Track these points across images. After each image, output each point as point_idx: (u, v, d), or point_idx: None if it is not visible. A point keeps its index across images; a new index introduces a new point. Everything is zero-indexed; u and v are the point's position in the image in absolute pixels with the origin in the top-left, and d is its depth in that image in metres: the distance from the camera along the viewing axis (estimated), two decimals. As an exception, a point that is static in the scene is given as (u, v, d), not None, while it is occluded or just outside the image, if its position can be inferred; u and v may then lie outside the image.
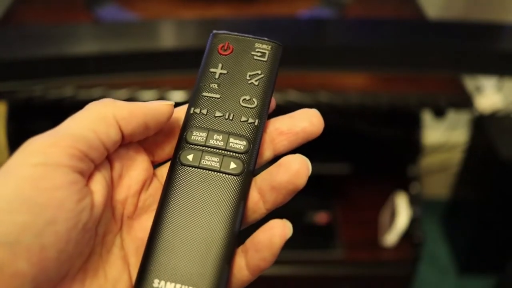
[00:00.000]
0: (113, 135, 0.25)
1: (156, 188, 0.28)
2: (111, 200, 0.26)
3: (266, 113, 0.28)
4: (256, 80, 0.28)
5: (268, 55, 0.29)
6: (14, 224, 0.21)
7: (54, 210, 0.22)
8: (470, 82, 1.23)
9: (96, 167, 0.25)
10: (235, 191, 0.26)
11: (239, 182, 0.26)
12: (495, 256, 1.27)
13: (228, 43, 0.29)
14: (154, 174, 0.28)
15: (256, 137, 0.27)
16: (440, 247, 1.41)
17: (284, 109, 0.77)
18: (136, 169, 0.27)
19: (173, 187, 0.26)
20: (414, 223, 0.88)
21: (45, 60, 0.67)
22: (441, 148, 1.43)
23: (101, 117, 0.25)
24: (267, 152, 0.28)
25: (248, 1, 0.93)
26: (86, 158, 0.24)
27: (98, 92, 0.72)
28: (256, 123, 0.27)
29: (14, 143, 0.84)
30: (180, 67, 0.70)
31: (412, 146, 0.88)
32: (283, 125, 0.28)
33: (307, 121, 0.28)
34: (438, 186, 1.50)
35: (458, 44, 0.72)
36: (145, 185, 0.28)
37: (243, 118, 0.27)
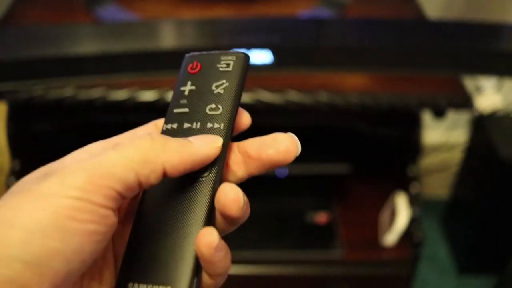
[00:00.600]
0: (153, 179, 0.25)
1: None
2: None
3: (233, 119, 0.28)
4: (221, 89, 0.29)
5: (233, 65, 0.29)
6: (46, 249, 0.22)
7: (83, 241, 0.23)
8: (470, 82, 1.23)
9: None
10: (202, 195, 0.27)
11: (206, 187, 0.27)
12: (495, 256, 1.27)
13: (197, 62, 0.30)
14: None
15: (223, 140, 0.28)
16: (440, 247, 1.41)
17: (284, 109, 0.77)
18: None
19: (147, 194, 0.27)
20: (414, 223, 0.88)
21: (45, 60, 0.67)
22: (441, 148, 1.43)
23: (148, 161, 0.25)
24: (239, 172, 0.29)
25: (248, 1, 0.93)
26: (121, 198, 0.24)
27: (98, 92, 0.72)
28: (221, 127, 0.28)
29: (14, 143, 0.85)
30: (180, 67, 0.70)
31: (412, 146, 0.88)
32: (252, 149, 0.28)
33: (274, 149, 0.28)
34: (438, 186, 1.50)
35: (458, 44, 0.72)
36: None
37: (209, 125, 0.28)
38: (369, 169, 1.04)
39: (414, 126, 0.87)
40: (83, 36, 0.70)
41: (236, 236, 1.01)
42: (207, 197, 0.27)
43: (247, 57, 0.30)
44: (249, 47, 0.69)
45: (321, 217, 0.94)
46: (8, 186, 0.86)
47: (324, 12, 0.91)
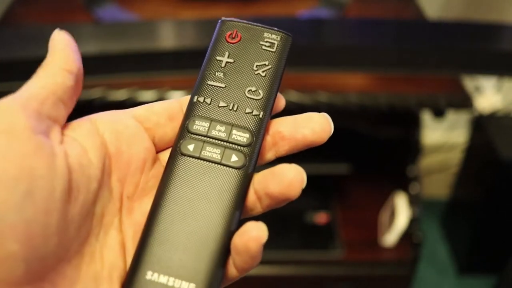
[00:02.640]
0: (61, 80, 0.25)
1: (159, 172, 0.26)
2: (108, 178, 0.25)
3: (272, 106, 0.27)
4: (263, 71, 0.27)
5: (277, 46, 0.28)
6: None
7: (27, 181, 0.20)
8: (469, 82, 1.23)
9: (66, 128, 0.24)
10: (235, 185, 0.25)
11: (239, 176, 0.25)
12: (494, 256, 1.27)
13: (237, 31, 0.28)
14: (157, 158, 0.27)
15: (259, 130, 0.26)
16: (439, 247, 1.41)
17: (285, 109, 0.77)
18: (135, 146, 0.26)
19: (171, 177, 0.25)
20: (413, 223, 0.88)
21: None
22: (441, 148, 1.43)
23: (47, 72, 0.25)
24: (269, 154, 0.27)
25: (248, 1, 0.93)
26: (41, 116, 0.23)
27: (98, 92, 0.72)
28: (260, 116, 0.26)
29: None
30: (180, 67, 0.70)
31: (412, 146, 0.88)
32: (286, 129, 0.27)
33: (309, 129, 0.26)
34: (438, 186, 1.50)
35: (458, 44, 0.72)
36: (146, 165, 0.26)
37: (248, 110, 0.26)
38: (369, 169, 1.04)
39: (414, 126, 0.87)
40: (82, 36, 0.70)
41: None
42: (240, 185, 0.25)
43: (290, 39, 0.28)
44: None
45: (321, 217, 0.94)
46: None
47: (323, 12, 0.91)
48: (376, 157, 1.07)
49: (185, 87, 0.72)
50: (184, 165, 0.25)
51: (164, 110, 0.27)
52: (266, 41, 0.28)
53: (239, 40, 0.27)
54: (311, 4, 0.93)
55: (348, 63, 0.71)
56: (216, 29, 0.28)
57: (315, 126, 0.26)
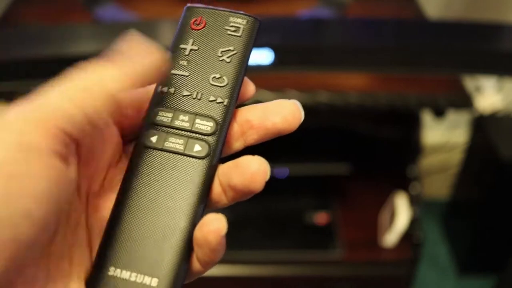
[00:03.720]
0: (101, 107, 0.22)
1: (125, 166, 0.25)
2: (77, 176, 0.23)
3: (237, 93, 0.26)
4: (228, 57, 0.26)
5: (243, 30, 0.27)
6: None
7: (30, 202, 0.19)
8: (470, 82, 1.23)
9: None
10: (199, 176, 0.24)
11: (203, 166, 0.24)
12: (494, 256, 1.27)
13: (201, 18, 0.27)
14: (123, 151, 0.26)
15: (225, 119, 0.25)
16: (440, 247, 1.41)
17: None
18: (104, 142, 0.25)
19: (134, 170, 0.25)
20: (414, 223, 0.88)
21: (44, 60, 0.67)
22: (441, 149, 1.43)
23: (86, 87, 0.22)
24: (237, 143, 0.26)
25: (247, 1, 0.93)
26: (69, 140, 0.21)
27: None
28: (225, 103, 0.25)
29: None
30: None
31: (412, 146, 0.88)
32: (255, 117, 0.26)
33: (280, 117, 0.25)
34: (438, 186, 1.50)
35: (458, 44, 0.72)
36: (113, 160, 0.25)
37: (212, 98, 0.25)
38: (369, 170, 1.04)
39: (414, 126, 0.87)
40: (82, 35, 0.70)
41: (236, 236, 1.00)
42: (204, 176, 0.24)
43: (258, 23, 0.27)
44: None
45: (321, 218, 0.94)
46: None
47: (324, 12, 0.91)
48: (376, 157, 1.07)
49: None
50: (148, 158, 0.25)
51: (132, 101, 0.26)
52: (232, 26, 0.27)
53: (204, 26, 0.27)
54: (311, 4, 0.93)
55: (348, 63, 0.71)
56: (181, 16, 0.27)
57: (287, 114, 0.26)
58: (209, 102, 0.25)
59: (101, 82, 0.22)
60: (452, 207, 1.43)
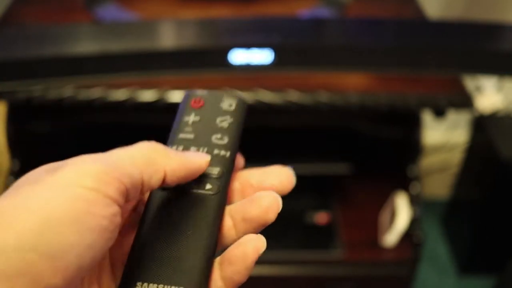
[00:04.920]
0: (154, 181, 0.26)
1: (141, 211, 0.29)
2: None
3: (236, 151, 0.31)
4: (226, 123, 0.31)
5: (236, 105, 0.32)
6: (61, 241, 0.22)
7: (96, 236, 0.23)
8: (470, 82, 1.23)
9: None
10: (212, 207, 0.28)
11: (215, 200, 0.28)
12: (495, 256, 1.27)
13: (200, 98, 0.32)
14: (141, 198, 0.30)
15: (228, 167, 0.30)
16: (440, 247, 1.41)
17: (284, 109, 0.77)
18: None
19: (153, 205, 0.28)
20: (414, 223, 0.88)
21: (44, 60, 0.67)
22: (441, 148, 1.44)
23: (151, 163, 0.26)
24: (236, 198, 0.31)
25: (248, 1, 0.93)
26: (126, 195, 0.25)
27: (98, 92, 0.72)
28: (227, 156, 0.30)
29: (14, 143, 0.85)
30: (180, 66, 0.70)
31: (412, 146, 0.88)
32: (254, 179, 0.30)
33: (277, 180, 0.30)
34: (438, 186, 1.50)
35: (458, 44, 0.72)
36: (137, 205, 0.30)
37: (216, 152, 0.30)
38: (369, 169, 1.04)
39: (414, 126, 0.87)
40: (82, 35, 0.70)
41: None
42: (217, 209, 0.28)
43: (246, 105, 0.32)
44: (249, 46, 0.69)
45: (321, 217, 0.94)
46: (7, 186, 0.86)
47: (324, 11, 0.92)
48: (376, 157, 1.07)
49: (184, 87, 0.72)
50: (164, 195, 0.29)
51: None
52: (226, 103, 0.32)
53: (203, 105, 0.32)
54: (311, 4, 0.93)
55: (348, 62, 0.71)
56: (182, 99, 0.32)
57: (283, 178, 0.30)
58: (214, 155, 0.30)
59: (161, 163, 0.27)
60: (452, 207, 1.43)
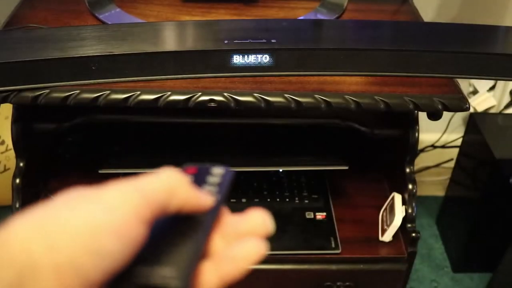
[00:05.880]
0: (170, 211, 0.30)
1: None
2: None
3: (224, 199, 0.35)
4: (217, 179, 0.36)
5: (224, 173, 0.37)
6: (105, 247, 0.25)
7: (127, 249, 0.26)
8: (464, 82, 1.25)
9: None
10: (204, 220, 0.32)
11: (206, 218, 0.32)
12: (489, 253, 1.29)
13: (193, 167, 0.37)
14: None
15: (219, 201, 0.34)
16: (435, 244, 1.43)
17: (284, 109, 0.78)
18: None
19: None
20: (409, 221, 0.90)
21: (49, 62, 0.69)
22: (437, 148, 1.45)
23: (172, 192, 0.29)
24: (216, 237, 0.33)
25: (248, 3, 0.95)
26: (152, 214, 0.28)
27: (102, 92, 0.73)
28: (219, 199, 0.34)
29: (20, 143, 0.86)
30: (181, 68, 0.72)
31: (408, 146, 0.90)
32: (239, 224, 0.34)
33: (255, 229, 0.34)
34: (433, 185, 1.52)
35: (454, 46, 0.73)
36: None
37: (207, 190, 0.34)
38: (366, 168, 1.06)
39: (410, 126, 0.89)
40: (87, 38, 0.72)
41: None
42: (207, 224, 0.32)
43: (232, 173, 0.37)
44: (249, 49, 0.71)
45: (319, 215, 0.96)
46: (12, 186, 0.87)
47: (322, 14, 0.93)
48: (373, 156, 1.09)
49: (187, 88, 0.73)
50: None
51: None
52: (215, 170, 0.37)
53: (196, 171, 0.36)
54: (310, 6, 0.95)
55: (345, 65, 0.73)
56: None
57: (268, 224, 0.35)
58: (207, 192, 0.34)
59: (182, 196, 0.30)
60: (447, 205, 1.44)
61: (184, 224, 0.31)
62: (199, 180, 0.35)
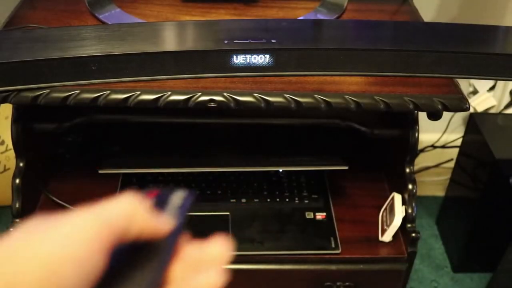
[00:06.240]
0: (129, 237, 0.30)
1: None
2: None
3: (184, 223, 0.34)
4: (178, 202, 0.35)
5: (185, 196, 0.36)
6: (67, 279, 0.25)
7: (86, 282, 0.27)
8: (464, 82, 1.25)
9: None
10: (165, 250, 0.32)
11: (166, 247, 0.32)
12: (489, 253, 1.29)
13: (154, 190, 0.37)
14: None
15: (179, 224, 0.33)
16: (435, 244, 1.43)
17: (284, 109, 0.78)
18: None
19: None
20: (409, 221, 0.90)
21: (49, 62, 0.69)
22: (436, 148, 1.45)
23: (133, 221, 0.29)
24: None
25: (248, 3, 0.95)
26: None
27: (101, 92, 0.73)
28: (178, 223, 0.33)
29: (20, 143, 0.86)
30: (183, 68, 0.72)
31: (408, 146, 0.90)
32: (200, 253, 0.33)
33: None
34: (433, 185, 1.52)
35: (454, 47, 0.73)
36: None
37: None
38: (366, 168, 1.06)
39: (410, 126, 0.89)
40: (87, 38, 0.72)
41: (234, 234, 1.01)
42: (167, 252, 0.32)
43: (195, 194, 0.37)
44: (249, 49, 0.71)
45: (319, 215, 0.96)
46: (12, 186, 0.87)
47: (322, 14, 0.93)
48: (373, 156, 1.09)
49: (186, 88, 0.73)
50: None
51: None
52: (177, 194, 0.36)
53: (156, 195, 0.36)
54: (310, 6, 0.95)
55: (346, 65, 0.73)
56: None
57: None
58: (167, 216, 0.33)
59: (141, 225, 0.30)
60: (447, 205, 1.44)
61: (143, 251, 0.31)
62: (160, 204, 0.35)
